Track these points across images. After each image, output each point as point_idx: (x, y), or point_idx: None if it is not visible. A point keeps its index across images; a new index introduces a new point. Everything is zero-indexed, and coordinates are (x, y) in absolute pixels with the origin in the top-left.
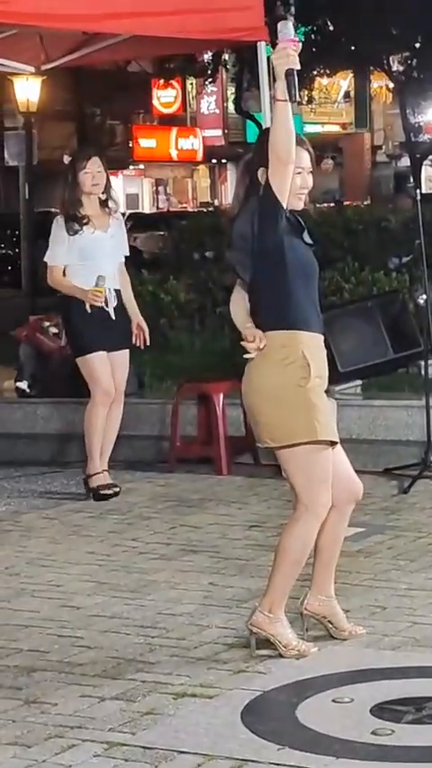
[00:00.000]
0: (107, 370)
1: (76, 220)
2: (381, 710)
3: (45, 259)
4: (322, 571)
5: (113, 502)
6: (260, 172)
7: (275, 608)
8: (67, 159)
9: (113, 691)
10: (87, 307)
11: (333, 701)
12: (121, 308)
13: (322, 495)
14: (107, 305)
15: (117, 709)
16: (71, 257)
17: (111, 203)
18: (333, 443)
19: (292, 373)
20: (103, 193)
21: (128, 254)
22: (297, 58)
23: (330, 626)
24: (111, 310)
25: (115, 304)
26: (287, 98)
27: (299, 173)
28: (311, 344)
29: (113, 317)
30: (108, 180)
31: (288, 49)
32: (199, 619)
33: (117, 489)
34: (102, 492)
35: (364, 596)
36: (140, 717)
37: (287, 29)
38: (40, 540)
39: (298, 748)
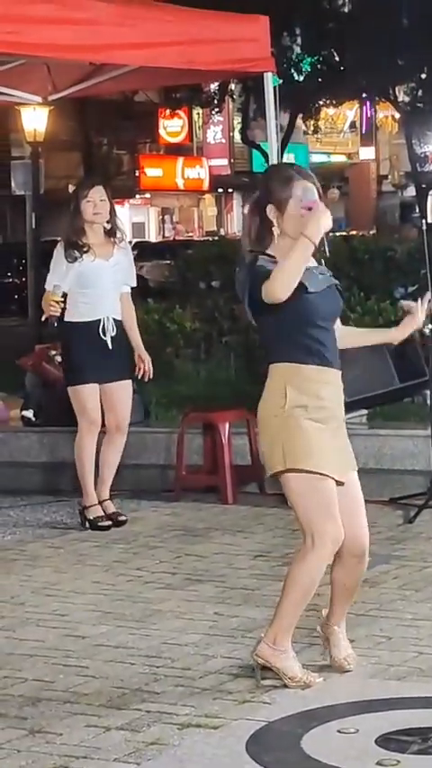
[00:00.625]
0: (95, 401)
1: (76, 248)
2: (386, 741)
3: (46, 284)
4: (333, 600)
5: (119, 531)
6: (269, 209)
7: (280, 639)
8: (71, 188)
9: (118, 721)
10: (45, 316)
11: (338, 731)
12: (120, 338)
13: (322, 526)
14: (104, 334)
15: (122, 739)
16: (71, 284)
17: (118, 233)
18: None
19: (272, 403)
20: (107, 222)
21: (134, 284)
22: (330, 219)
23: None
24: (108, 340)
25: (114, 334)
26: (315, 243)
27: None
28: (297, 376)
29: (110, 347)
30: (113, 208)
31: (320, 213)
32: (204, 648)
33: (124, 518)
34: (99, 524)
35: (370, 626)
36: (145, 747)
37: (311, 193)
38: (45, 569)
39: None
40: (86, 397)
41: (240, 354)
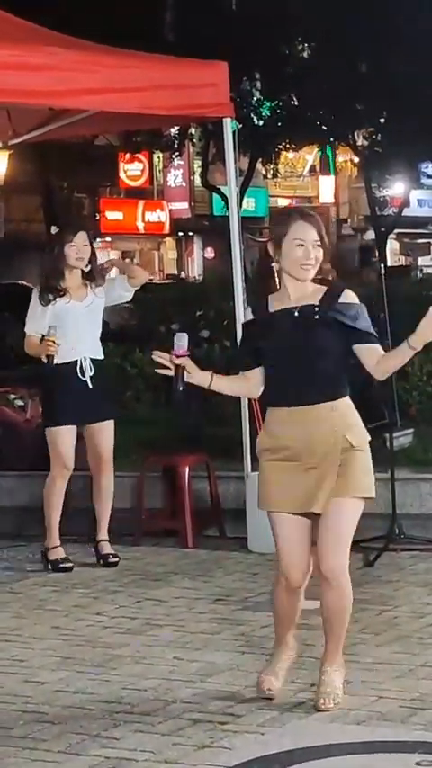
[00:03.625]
0: (70, 445)
1: (51, 291)
2: None
3: (25, 329)
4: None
5: (79, 575)
6: (269, 245)
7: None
8: (54, 230)
9: (78, 766)
10: (43, 357)
11: None
12: (100, 378)
13: (277, 558)
14: (83, 374)
15: None
16: (44, 327)
17: (98, 277)
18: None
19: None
20: (86, 266)
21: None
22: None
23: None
24: (87, 380)
25: (92, 374)
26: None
27: (300, 245)
28: (270, 419)
29: (90, 387)
30: (94, 254)
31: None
32: (164, 693)
33: (115, 560)
34: (60, 565)
35: None
36: None
37: (182, 341)
38: (4, 614)
39: None
40: (61, 439)
41: (201, 398)
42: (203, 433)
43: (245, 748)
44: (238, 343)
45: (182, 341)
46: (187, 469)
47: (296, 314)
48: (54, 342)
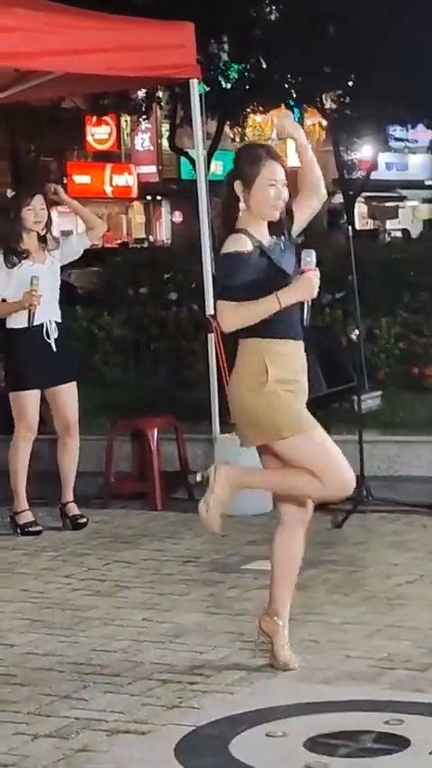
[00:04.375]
0: (35, 408)
1: (15, 254)
2: (314, 744)
3: None
4: (274, 591)
5: (47, 538)
6: (236, 184)
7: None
8: (10, 193)
9: (47, 728)
10: (22, 316)
11: (266, 735)
12: (63, 340)
13: (337, 471)
14: (48, 337)
15: (51, 746)
16: (9, 290)
17: (50, 241)
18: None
19: (251, 378)
20: (42, 230)
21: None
22: (315, 289)
23: (269, 647)
24: (52, 342)
25: (56, 336)
26: (282, 307)
27: (272, 185)
28: (274, 351)
29: (55, 350)
30: (50, 218)
31: (313, 280)
32: (133, 655)
33: (84, 520)
34: (28, 529)
35: (298, 630)
36: (74, 754)
37: (311, 257)
38: None
39: None
40: (28, 402)
41: (169, 361)
42: (172, 396)
43: (213, 708)
44: (248, 272)
45: (310, 256)
46: (155, 432)
47: (283, 248)
48: (37, 291)
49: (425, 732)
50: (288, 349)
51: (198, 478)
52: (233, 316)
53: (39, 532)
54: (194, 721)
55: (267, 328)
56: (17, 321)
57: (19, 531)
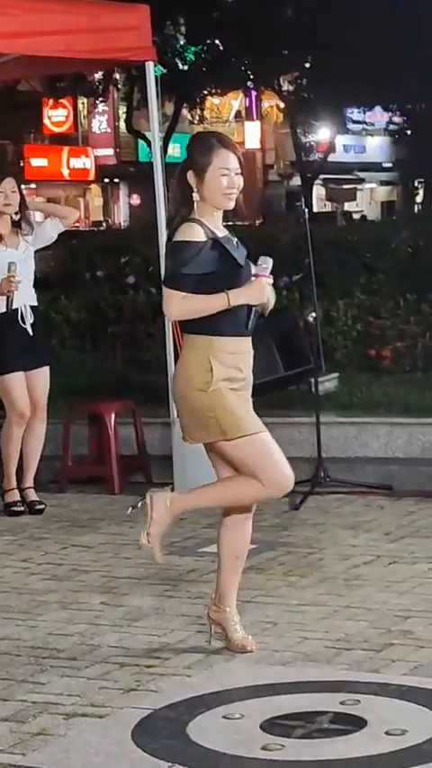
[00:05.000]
0: (23, 390)
1: None
2: (271, 726)
3: None
4: (220, 580)
5: (4, 523)
6: (189, 174)
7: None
8: None
9: (4, 712)
10: (4, 299)
11: (223, 717)
12: (39, 324)
13: (272, 471)
14: (24, 322)
15: (7, 730)
16: None
17: (24, 225)
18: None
19: (196, 377)
20: (16, 214)
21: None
22: (264, 296)
23: (223, 634)
24: (28, 327)
25: (32, 320)
26: (230, 306)
27: (225, 174)
28: (220, 349)
29: (31, 334)
30: (23, 200)
31: (267, 288)
32: (90, 638)
33: (42, 506)
34: (12, 509)
35: (256, 612)
36: (31, 738)
37: (267, 264)
38: None
39: (189, 765)
40: (14, 386)
41: (126, 344)
42: (129, 380)
43: (172, 691)
44: (200, 263)
45: (267, 263)
46: (113, 416)
47: (236, 242)
48: (15, 277)
49: (381, 712)
50: (234, 347)
51: (129, 511)
52: (180, 306)
53: (20, 513)
54: (152, 704)
55: (214, 325)
56: None
57: (3, 509)
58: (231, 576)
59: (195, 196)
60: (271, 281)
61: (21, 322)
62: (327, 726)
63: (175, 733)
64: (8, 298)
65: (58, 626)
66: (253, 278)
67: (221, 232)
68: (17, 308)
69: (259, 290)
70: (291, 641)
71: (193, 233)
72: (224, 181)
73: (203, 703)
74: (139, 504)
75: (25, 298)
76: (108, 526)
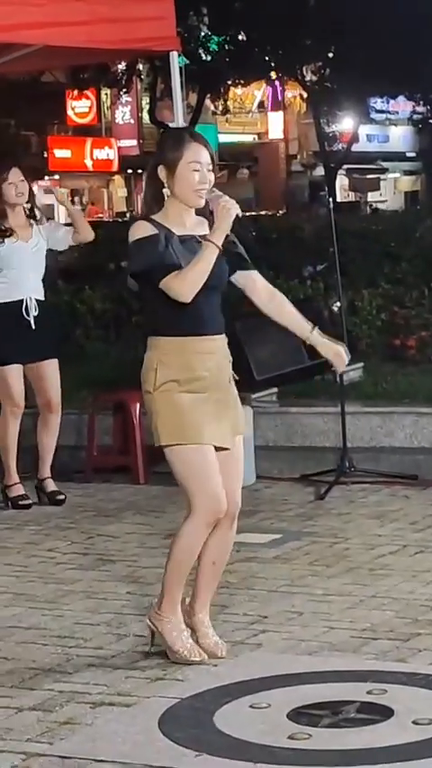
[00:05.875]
0: (20, 383)
1: None
2: (298, 715)
3: None
4: (198, 583)
5: (31, 513)
6: (159, 169)
7: (164, 608)
8: None
9: (31, 701)
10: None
11: (250, 706)
12: (43, 318)
13: (196, 495)
14: (28, 314)
15: (35, 719)
16: None
17: (37, 213)
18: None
19: (145, 379)
20: (27, 203)
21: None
22: (236, 207)
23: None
24: (31, 320)
25: (36, 314)
26: (220, 247)
27: (197, 169)
28: (172, 350)
29: (34, 327)
30: (31, 190)
31: (226, 205)
32: (116, 628)
33: (62, 497)
34: (20, 503)
35: (281, 602)
36: (58, 726)
37: (214, 191)
38: None
39: (216, 754)
40: (10, 377)
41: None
42: None
43: (198, 680)
44: (157, 252)
45: (213, 192)
46: (138, 406)
47: (197, 248)
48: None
49: (408, 701)
50: (189, 347)
51: (150, 649)
52: (183, 283)
53: (29, 506)
54: (179, 693)
55: (170, 326)
56: None
57: (10, 504)
58: (207, 582)
59: (166, 192)
60: (226, 197)
61: (24, 314)
62: (353, 715)
63: (202, 722)
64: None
65: (84, 615)
66: (211, 207)
67: (185, 230)
68: (22, 300)
69: (223, 213)
70: (317, 631)
71: (143, 229)
72: (196, 176)
73: (230, 693)
74: (152, 645)
75: (31, 290)
76: (133, 516)
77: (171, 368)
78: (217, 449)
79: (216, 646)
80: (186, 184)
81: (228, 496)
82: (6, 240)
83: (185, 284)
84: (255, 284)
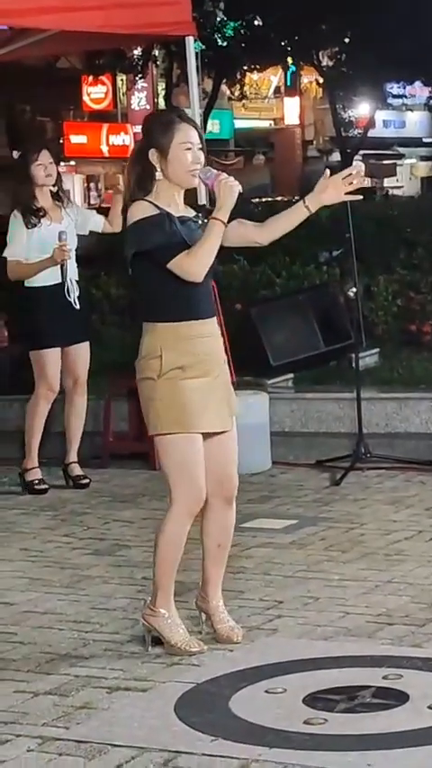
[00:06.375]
0: (57, 367)
1: (33, 213)
2: (313, 700)
3: (5, 254)
4: (206, 567)
5: (46, 498)
6: (151, 153)
7: (157, 601)
8: (16, 154)
9: (47, 686)
10: (58, 270)
11: (266, 691)
12: (83, 298)
13: (179, 485)
14: (69, 294)
15: (51, 703)
16: (30, 251)
17: (62, 196)
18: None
19: (148, 365)
20: (54, 185)
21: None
22: (237, 184)
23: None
24: (73, 299)
25: (77, 294)
26: (226, 224)
27: (188, 149)
28: (175, 336)
29: (77, 306)
30: (59, 172)
31: (227, 182)
32: (132, 613)
33: (86, 481)
34: (36, 487)
35: (297, 587)
36: (74, 711)
37: (210, 171)
38: None
39: (231, 739)
40: (49, 361)
41: None
42: None
43: (213, 665)
44: (163, 232)
45: (210, 171)
46: None
47: (199, 222)
48: (66, 246)
49: (423, 687)
50: (188, 330)
51: (150, 649)
52: (193, 262)
53: (45, 491)
54: (194, 678)
55: (168, 312)
56: (38, 280)
57: (26, 487)
58: (215, 565)
59: (158, 175)
60: (225, 174)
61: (67, 295)
62: (369, 700)
63: (218, 707)
64: (62, 267)
65: (100, 601)
66: (210, 186)
67: (179, 211)
68: (63, 282)
69: (226, 189)
70: (332, 616)
71: (144, 209)
72: (188, 156)
73: (245, 677)
74: (150, 643)
75: (71, 271)
76: (149, 501)
77: (176, 354)
78: (216, 432)
79: (232, 631)
80: (180, 166)
81: (225, 477)
82: (42, 222)
83: (195, 263)
84: (245, 227)
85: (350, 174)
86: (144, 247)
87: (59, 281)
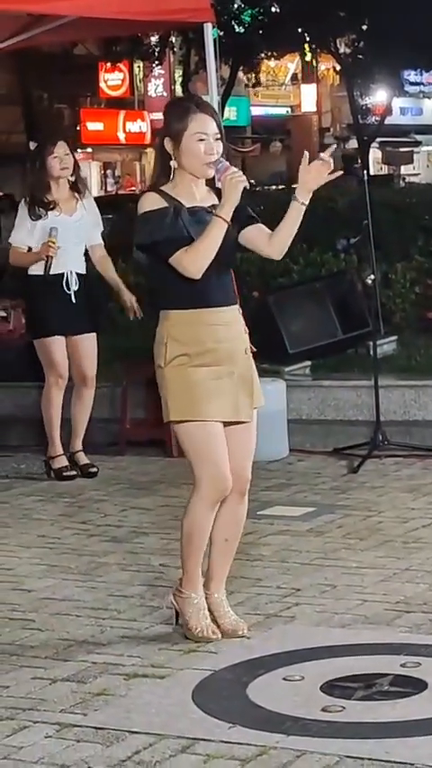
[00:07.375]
0: (63, 354)
1: (41, 205)
2: (331, 688)
3: (9, 240)
4: (212, 560)
5: (64, 485)
6: (166, 141)
7: (184, 584)
8: (32, 145)
9: (65, 672)
10: (43, 265)
11: (284, 678)
12: (84, 292)
13: (202, 470)
14: (68, 288)
15: (69, 690)
16: (34, 240)
17: (81, 187)
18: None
19: (156, 353)
20: (72, 176)
21: (100, 240)
22: (244, 179)
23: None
24: (71, 294)
25: (77, 288)
26: (228, 222)
27: (201, 139)
28: (183, 324)
29: (74, 301)
30: (76, 163)
31: (234, 177)
32: (150, 600)
33: (94, 470)
34: (64, 474)
35: (315, 575)
36: (92, 698)
37: (221, 162)
38: None
39: (249, 726)
40: (54, 349)
41: None
42: None
43: (230, 652)
44: (165, 226)
45: (221, 163)
46: None
47: (208, 218)
48: (55, 242)
49: None
50: (200, 319)
51: (176, 627)
52: (190, 259)
53: (73, 477)
54: (212, 665)
55: (179, 300)
56: (37, 268)
57: (54, 475)
58: (220, 559)
59: (173, 164)
60: (234, 168)
61: (65, 287)
62: (387, 688)
63: (236, 694)
64: (46, 262)
65: (117, 587)
66: (218, 178)
67: (195, 202)
68: (63, 273)
69: (231, 187)
70: (350, 604)
71: (152, 202)
72: (202, 146)
73: (263, 665)
74: (176, 623)
75: (73, 264)
76: (167, 489)
77: (181, 341)
78: (233, 422)
79: (236, 624)
80: (192, 156)
81: (238, 471)
82: (49, 214)
83: (193, 261)
84: (260, 238)
85: (323, 160)
86: (146, 241)
87: (60, 271)
